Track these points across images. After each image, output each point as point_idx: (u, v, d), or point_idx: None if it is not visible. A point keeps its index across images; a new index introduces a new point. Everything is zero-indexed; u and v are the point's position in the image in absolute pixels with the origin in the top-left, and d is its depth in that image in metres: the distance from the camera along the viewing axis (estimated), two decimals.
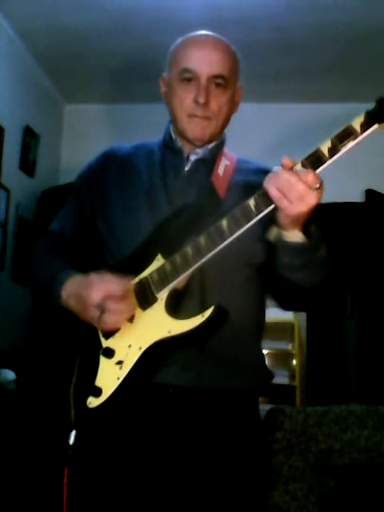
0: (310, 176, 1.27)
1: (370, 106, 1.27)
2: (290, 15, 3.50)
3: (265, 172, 1.34)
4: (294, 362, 4.08)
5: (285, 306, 1.62)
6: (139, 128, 4.15)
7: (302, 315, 4.23)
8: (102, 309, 1.38)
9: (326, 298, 3.91)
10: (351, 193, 4.23)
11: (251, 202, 1.33)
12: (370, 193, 4.24)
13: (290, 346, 4.11)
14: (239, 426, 1.50)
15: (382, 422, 2.31)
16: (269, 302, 1.64)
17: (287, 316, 3.94)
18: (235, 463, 1.47)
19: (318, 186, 1.27)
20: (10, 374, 2.94)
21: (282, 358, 4.07)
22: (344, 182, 4.19)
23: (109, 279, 1.41)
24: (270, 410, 2.39)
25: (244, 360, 1.51)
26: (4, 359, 3.15)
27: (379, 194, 4.19)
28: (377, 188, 4.22)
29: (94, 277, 1.43)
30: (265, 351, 3.94)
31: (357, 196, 4.26)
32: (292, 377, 4.02)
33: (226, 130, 1.65)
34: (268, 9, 3.44)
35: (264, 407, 2.06)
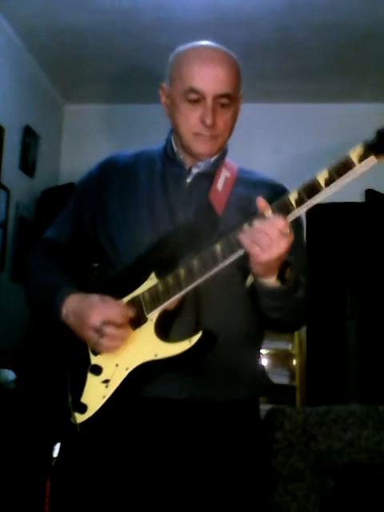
0: (281, 222, 1.27)
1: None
2: (291, 15, 3.50)
3: (266, 185, 1.33)
4: (294, 362, 4.07)
5: (278, 331, 1.67)
6: (139, 128, 4.15)
7: None
8: (100, 333, 1.39)
9: (326, 298, 3.91)
10: (351, 193, 4.21)
11: (246, 228, 1.32)
12: (369, 193, 4.23)
13: (289, 346, 4.10)
14: (239, 427, 1.49)
15: (382, 422, 2.31)
16: None
17: None
18: (235, 464, 1.47)
19: (287, 231, 1.28)
20: (10, 374, 2.94)
21: (282, 357, 4.06)
22: None
23: (110, 304, 1.42)
24: (269, 410, 2.39)
25: (243, 372, 1.51)
26: (4, 359, 3.15)
27: (379, 193, 4.19)
28: (377, 188, 4.22)
29: (95, 298, 1.43)
30: (265, 351, 3.95)
31: (357, 196, 4.26)
32: (292, 377, 4.01)
33: None
34: (269, 9, 3.44)
35: (264, 407, 2.06)
